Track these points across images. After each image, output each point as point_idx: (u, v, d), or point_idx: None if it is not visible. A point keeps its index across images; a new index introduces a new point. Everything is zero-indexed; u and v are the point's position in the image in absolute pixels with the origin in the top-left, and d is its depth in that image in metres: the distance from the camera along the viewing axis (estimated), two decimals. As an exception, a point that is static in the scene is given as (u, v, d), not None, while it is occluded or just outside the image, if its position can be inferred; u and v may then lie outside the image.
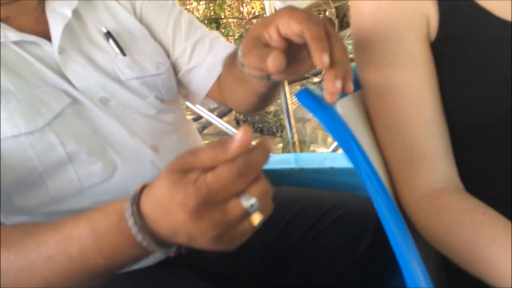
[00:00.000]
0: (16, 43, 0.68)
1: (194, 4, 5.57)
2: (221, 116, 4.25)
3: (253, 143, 0.40)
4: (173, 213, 0.39)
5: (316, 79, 4.41)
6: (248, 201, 0.40)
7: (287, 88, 1.65)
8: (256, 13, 5.42)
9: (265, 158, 0.40)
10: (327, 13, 4.85)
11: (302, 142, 2.82)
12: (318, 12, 5.36)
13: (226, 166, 0.38)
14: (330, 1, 2.56)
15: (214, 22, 5.33)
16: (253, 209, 0.40)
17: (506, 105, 0.51)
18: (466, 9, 0.52)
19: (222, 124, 2.15)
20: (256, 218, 0.41)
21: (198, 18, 5.48)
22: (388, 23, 0.54)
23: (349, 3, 0.59)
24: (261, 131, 4.17)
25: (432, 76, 0.55)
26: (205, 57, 0.84)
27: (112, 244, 0.44)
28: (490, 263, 0.46)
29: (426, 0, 0.53)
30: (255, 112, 0.86)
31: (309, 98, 0.52)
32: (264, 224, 0.86)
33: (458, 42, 0.53)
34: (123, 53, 0.77)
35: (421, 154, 0.55)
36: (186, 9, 5.77)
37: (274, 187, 0.97)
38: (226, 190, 0.39)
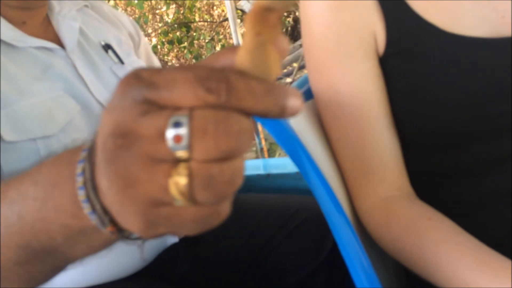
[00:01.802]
0: (37, 48, 0.71)
1: (164, 8, 5.54)
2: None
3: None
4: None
5: (288, 80, 4.44)
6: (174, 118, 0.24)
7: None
8: (227, 16, 5.42)
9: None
10: (297, 13, 4.89)
11: (275, 144, 2.84)
12: (288, 13, 5.40)
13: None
14: (297, 3, 2.57)
15: (184, 26, 5.32)
16: (180, 143, 0.24)
17: (455, 113, 0.54)
18: (413, 25, 0.54)
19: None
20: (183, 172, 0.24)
21: (168, 22, 5.45)
22: (338, 41, 0.55)
23: (300, 19, 0.60)
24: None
25: (381, 90, 0.57)
26: None
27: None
28: (436, 267, 0.48)
29: (373, 17, 0.55)
30: None
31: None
32: (229, 233, 0.89)
33: (407, 56, 0.55)
34: (121, 61, 0.83)
35: (372, 166, 0.57)
36: (155, 13, 5.75)
37: (241, 195, 0.99)
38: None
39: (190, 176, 0.24)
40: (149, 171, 0.24)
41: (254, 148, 3.65)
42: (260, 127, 1.68)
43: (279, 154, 2.87)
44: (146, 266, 0.80)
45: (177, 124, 0.23)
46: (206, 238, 0.89)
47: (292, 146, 0.52)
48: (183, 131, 0.23)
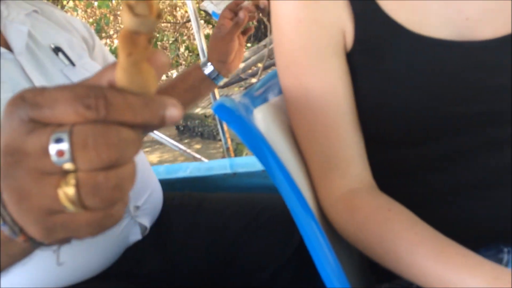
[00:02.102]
0: None
1: (126, 9, 5.43)
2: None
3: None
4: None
5: (253, 80, 4.46)
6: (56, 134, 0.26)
7: (216, 91, 1.66)
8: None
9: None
10: (260, 14, 4.91)
11: (241, 144, 2.84)
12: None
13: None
14: (260, 3, 2.58)
15: (147, 27, 5.23)
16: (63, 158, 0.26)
17: (417, 111, 0.56)
18: (381, 24, 0.55)
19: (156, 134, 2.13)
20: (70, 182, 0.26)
21: (130, 23, 5.34)
22: (309, 38, 0.56)
23: (271, 18, 0.60)
24: (202, 135, 4.16)
25: (349, 87, 0.58)
26: None
27: None
28: (396, 256, 0.50)
29: (343, 15, 0.56)
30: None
31: (224, 110, 0.53)
32: (197, 232, 0.89)
33: (374, 54, 0.56)
34: (72, 64, 0.83)
35: (338, 161, 0.58)
36: (116, 15, 5.63)
37: (208, 194, 0.99)
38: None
39: (78, 185, 0.26)
40: (40, 184, 0.27)
41: (221, 149, 3.64)
42: (225, 126, 1.68)
43: (246, 154, 2.88)
44: (111, 266, 0.80)
45: (58, 140, 0.25)
46: (173, 237, 0.89)
47: (257, 144, 0.53)
48: (64, 146, 0.25)
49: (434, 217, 0.58)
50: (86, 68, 0.85)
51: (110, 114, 0.26)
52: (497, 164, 0.60)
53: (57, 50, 0.82)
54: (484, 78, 0.54)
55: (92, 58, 0.93)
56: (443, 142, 0.59)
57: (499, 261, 0.58)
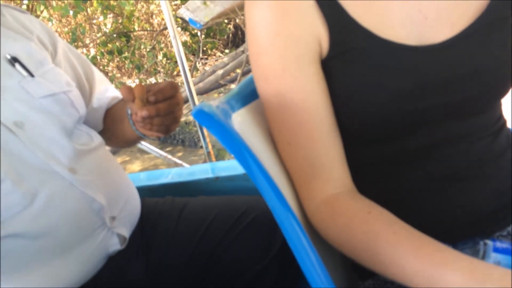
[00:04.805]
0: None
1: (101, 18, 5.39)
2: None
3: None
4: None
5: (232, 86, 4.47)
6: None
7: (196, 98, 1.66)
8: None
9: None
10: (237, 20, 4.93)
11: (223, 150, 2.85)
12: (228, 20, 5.43)
13: None
14: (237, 10, 2.61)
15: (123, 35, 5.20)
16: None
17: (388, 109, 0.58)
18: (350, 29, 0.57)
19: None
20: None
21: (106, 33, 5.31)
22: (286, 48, 0.57)
23: (246, 29, 0.61)
24: (183, 142, 4.13)
25: (326, 91, 0.60)
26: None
27: None
28: (376, 255, 0.51)
29: (317, 23, 0.57)
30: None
31: (203, 115, 0.54)
32: (180, 237, 0.89)
33: (346, 58, 0.58)
34: (31, 74, 0.78)
35: (321, 165, 0.60)
36: (92, 23, 5.58)
37: (191, 198, 0.99)
38: None
39: None
40: None
41: (202, 156, 3.63)
42: (206, 131, 1.68)
43: (228, 160, 2.88)
44: (95, 276, 0.79)
45: None
46: (156, 243, 0.89)
47: (237, 147, 0.54)
48: None
49: (412, 211, 0.60)
50: (47, 77, 0.81)
51: None
52: (468, 157, 0.62)
53: (13, 60, 0.78)
54: (447, 73, 0.57)
55: (56, 63, 0.89)
56: (415, 137, 0.61)
57: (476, 253, 0.60)
